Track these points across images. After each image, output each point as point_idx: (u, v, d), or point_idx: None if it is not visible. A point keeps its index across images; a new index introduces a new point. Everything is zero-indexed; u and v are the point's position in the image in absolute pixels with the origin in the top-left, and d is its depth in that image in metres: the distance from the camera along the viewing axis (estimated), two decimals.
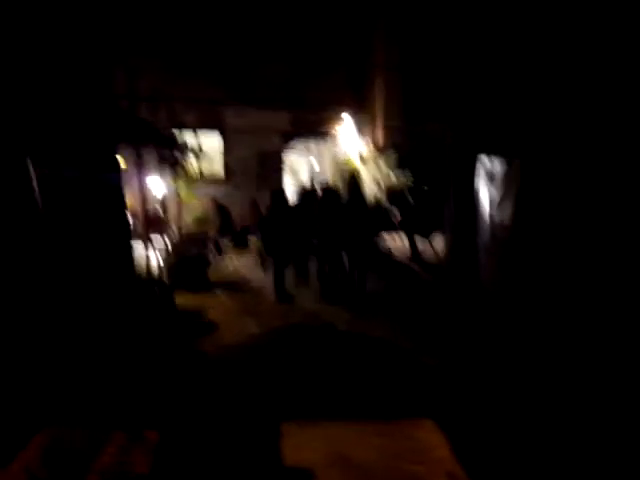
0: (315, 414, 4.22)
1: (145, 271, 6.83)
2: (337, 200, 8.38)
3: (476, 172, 6.28)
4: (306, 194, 9.12)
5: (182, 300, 7.26)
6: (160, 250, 9.13)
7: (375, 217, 9.68)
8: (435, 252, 10.86)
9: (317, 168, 21.00)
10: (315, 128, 16.97)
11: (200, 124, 15.39)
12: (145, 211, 7.92)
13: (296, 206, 8.80)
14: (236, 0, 15.22)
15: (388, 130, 16.82)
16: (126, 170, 7.38)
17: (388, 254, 10.37)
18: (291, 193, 16.93)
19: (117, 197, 4.93)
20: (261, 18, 15.54)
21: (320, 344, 5.86)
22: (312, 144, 19.20)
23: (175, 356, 5.48)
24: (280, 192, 8.28)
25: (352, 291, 8.07)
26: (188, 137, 13.88)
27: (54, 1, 4.90)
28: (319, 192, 9.89)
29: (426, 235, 10.98)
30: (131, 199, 12.24)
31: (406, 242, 12.47)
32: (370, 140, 17.16)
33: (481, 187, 6.08)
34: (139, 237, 11.74)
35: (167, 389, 4.70)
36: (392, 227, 13.26)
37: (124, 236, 4.93)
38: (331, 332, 6.32)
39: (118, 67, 8.38)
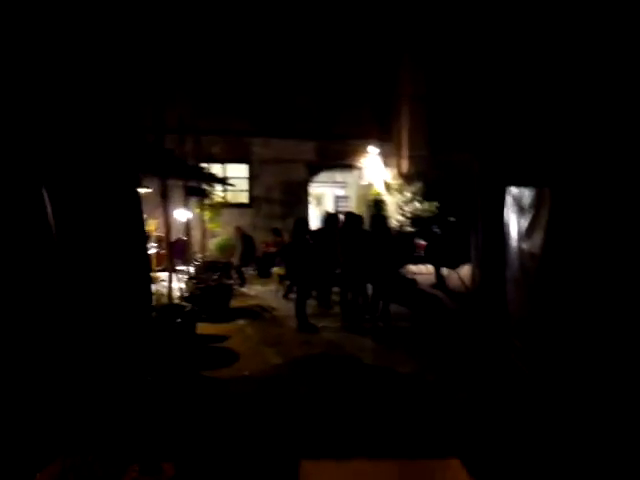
0: (336, 451, 4.06)
1: (167, 299, 6.81)
2: (360, 225, 8.30)
3: (505, 203, 6.14)
4: (329, 218, 9.04)
5: (203, 329, 7.19)
6: (183, 278, 9.15)
7: (400, 247, 9.54)
8: (462, 281, 10.67)
9: (342, 198, 21.05)
10: (340, 159, 17.06)
11: (227, 156, 15.62)
12: (169, 240, 7.95)
13: (319, 233, 8.74)
14: (263, 35, 15.52)
15: (414, 160, 16.81)
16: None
17: (413, 282, 10.20)
18: (315, 222, 17.03)
19: (136, 228, 4.92)
20: (288, 51, 15.83)
21: (343, 377, 5.70)
22: (337, 175, 19.29)
23: (195, 386, 5.38)
24: (303, 220, 8.24)
25: (376, 320, 7.92)
26: (215, 167, 14.06)
27: (84, 35, 5.01)
28: (342, 217, 9.85)
29: (453, 266, 10.80)
30: (156, 228, 12.48)
31: (431, 270, 12.32)
32: (396, 170, 17.16)
33: (510, 218, 5.93)
34: (163, 265, 11.86)
35: (185, 420, 4.60)
36: (417, 257, 13.12)
37: (143, 267, 4.89)
38: (354, 364, 6.15)
39: (145, 100, 8.58)
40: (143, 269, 4.88)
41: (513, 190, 5.94)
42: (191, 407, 4.89)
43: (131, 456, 3.91)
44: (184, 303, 6.99)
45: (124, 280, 4.60)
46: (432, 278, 11.25)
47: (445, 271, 11.00)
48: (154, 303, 6.52)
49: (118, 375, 4.54)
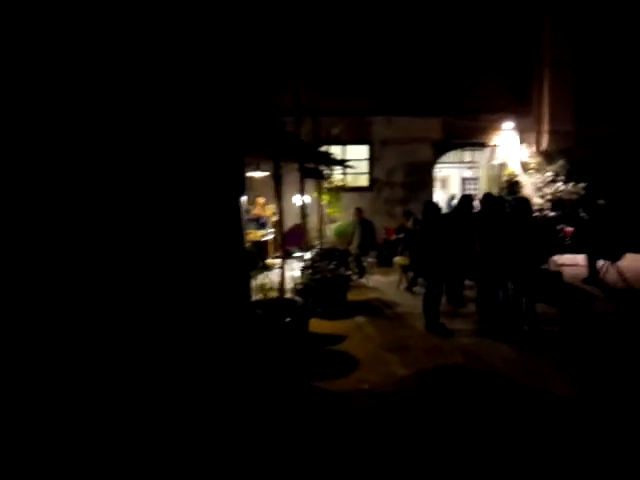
0: None
1: (278, 293, 6.10)
2: (501, 209, 7.02)
3: None
4: (463, 201, 7.78)
5: (317, 327, 6.40)
6: (299, 266, 8.46)
7: (546, 234, 8.04)
8: (621, 275, 8.91)
9: (470, 180, 19.40)
10: (471, 136, 15.47)
11: (347, 137, 14.75)
12: (282, 225, 7.26)
13: (451, 218, 7.52)
14: (383, 4, 14.34)
15: (556, 135, 14.78)
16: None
17: (558, 275, 8.62)
18: (443, 206, 15.66)
19: (234, 219, 4.17)
20: (411, 18, 14.51)
21: (484, 399, 4.57)
22: (466, 154, 17.68)
23: (305, 402, 4.58)
24: (433, 204, 7.11)
25: (520, 323, 6.62)
26: (334, 149, 13.25)
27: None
28: (478, 201, 8.56)
29: (613, 257, 9.03)
30: (274, 212, 11.98)
31: (579, 262, 10.55)
32: (534, 147, 15.23)
33: None
34: (280, 252, 11.34)
35: (293, 442, 3.81)
36: (562, 247, 11.38)
37: (239, 263, 4.14)
38: (498, 383, 4.97)
39: (260, 81, 7.94)
40: (238, 262, 4.13)
41: None
42: (301, 429, 4.08)
43: None
44: (296, 297, 6.24)
45: (216, 274, 3.87)
46: (582, 271, 9.56)
47: (601, 263, 9.26)
48: (262, 297, 5.85)
49: (211, 388, 3.82)
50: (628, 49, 14.29)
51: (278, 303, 5.75)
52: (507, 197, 10.73)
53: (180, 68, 3.68)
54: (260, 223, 11.12)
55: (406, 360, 5.51)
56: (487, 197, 7.29)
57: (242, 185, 4.64)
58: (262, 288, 6.02)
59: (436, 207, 6.99)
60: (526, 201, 7.55)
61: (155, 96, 3.49)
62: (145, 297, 3.41)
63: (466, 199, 7.51)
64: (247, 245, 9.43)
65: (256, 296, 5.81)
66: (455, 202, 11.57)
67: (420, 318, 7.03)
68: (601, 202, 10.17)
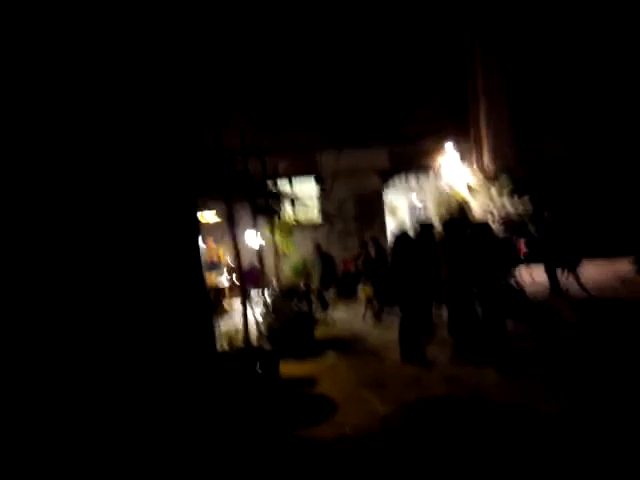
0: None
1: (242, 338, 5.71)
2: (463, 234, 6.95)
3: None
4: (424, 229, 7.61)
5: (289, 370, 6.01)
6: (259, 309, 8.09)
7: (507, 253, 8.02)
8: (581, 284, 8.99)
9: (419, 205, 19.59)
10: (415, 162, 15.68)
11: (294, 171, 14.62)
12: (241, 267, 6.91)
13: (413, 247, 7.34)
14: (320, 42, 14.52)
15: (497, 155, 15.16)
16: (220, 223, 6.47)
17: (521, 292, 8.60)
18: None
19: (193, 260, 3.84)
20: (350, 55, 14.73)
21: (474, 427, 4.30)
22: (412, 180, 17.88)
23: (284, 452, 4.18)
24: (405, 236, 6.94)
25: (492, 345, 6.45)
26: (282, 185, 13.03)
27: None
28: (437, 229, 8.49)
29: (572, 266, 9.12)
30: (225, 253, 11.55)
31: (535, 275, 10.64)
32: (477, 168, 15.55)
33: None
34: (235, 294, 10.89)
35: None
36: (517, 261, 11.47)
37: (201, 306, 3.79)
38: (484, 407, 4.73)
39: (204, 122, 7.66)
40: (201, 309, 3.78)
41: None
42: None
43: None
44: (263, 344, 5.88)
45: (177, 325, 3.50)
46: (542, 284, 9.61)
47: (560, 273, 9.34)
48: (228, 347, 5.44)
49: (178, 444, 3.40)
50: (560, 70, 14.92)
51: (246, 353, 5.36)
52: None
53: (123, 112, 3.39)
54: (213, 265, 10.67)
55: (386, 396, 5.19)
56: (449, 223, 7.21)
57: (197, 226, 4.32)
58: (227, 336, 5.61)
59: (407, 239, 6.83)
60: (486, 226, 7.52)
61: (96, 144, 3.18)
62: (102, 348, 3.02)
63: (427, 227, 7.41)
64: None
65: (221, 345, 5.40)
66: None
67: (393, 349, 6.77)
68: (547, 214, 10.37)
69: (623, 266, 11.03)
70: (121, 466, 3.00)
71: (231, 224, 6.39)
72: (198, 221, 4.45)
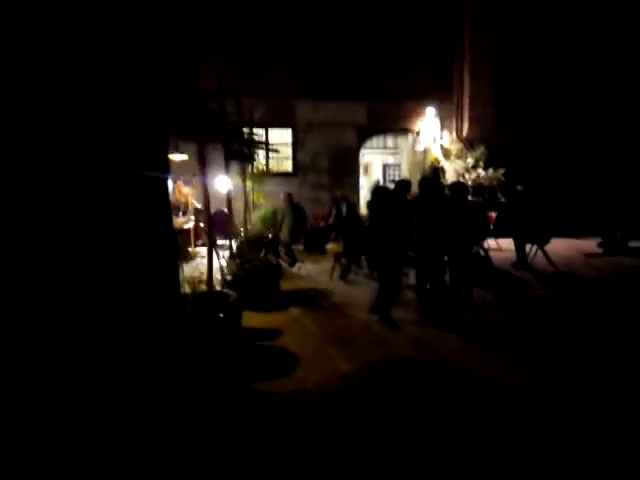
0: None
1: (207, 286, 5.49)
2: (440, 194, 6.83)
3: None
4: (400, 186, 7.29)
5: (251, 321, 5.85)
6: (225, 255, 7.86)
7: (478, 220, 7.94)
8: (549, 259, 9.06)
9: (392, 166, 19.41)
10: (394, 122, 15.40)
11: (271, 120, 14.12)
12: (209, 211, 6.62)
13: (395, 202, 7.04)
14: None
15: (477, 122, 14.99)
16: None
17: (486, 260, 8.61)
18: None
19: (161, 202, 3.56)
20: (337, 2, 14.10)
21: (439, 394, 4.24)
22: (389, 140, 17.62)
23: (245, 406, 4.06)
24: (382, 188, 6.72)
25: (458, 311, 6.43)
26: (258, 132, 12.56)
27: None
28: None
29: (541, 242, 9.16)
30: (194, 198, 11.17)
31: (502, 246, 10.71)
32: (456, 134, 15.38)
33: None
34: (203, 240, 10.59)
35: (229, 457, 3.29)
36: (488, 229, 11.50)
37: (168, 249, 3.54)
38: (450, 375, 4.67)
39: (180, 59, 7.17)
40: (168, 251, 3.53)
41: None
42: (241, 437, 3.57)
43: None
44: (226, 290, 5.67)
45: (144, 263, 3.25)
46: (508, 255, 9.65)
47: (528, 247, 9.37)
48: (190, 290, 5.23)
49: (135, 390, 3.21)
50: (547, 38, 14.65)
51: (209, 297, 5.15)
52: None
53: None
54: (180, 209, 10.31)
55: (351, 355, 5.10)
56: (425, 182, 7.03)
57: (167, 166, 4.00)
58: (191, 280, 5.38)
59: (387, 191, 6.59)
60: (463, 186, 7.40)
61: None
62: (61, 289, 2.77)
63: (404, 184, 7.11)
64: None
65: (184, 289, 5.18)
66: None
67: (359, 308, 6.69)
68: (519, 187, 10.33)
69: (590, 246, 11.19)
70: (77, 409, 2.80)
71: (202, 166, 6.06)
72: (168, 161, 4.13)
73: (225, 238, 9.67)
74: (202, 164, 6.05)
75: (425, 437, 3.56)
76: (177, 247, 4.08)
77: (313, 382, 4.44)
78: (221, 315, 4.67)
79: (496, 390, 4.33)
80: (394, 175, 19.02)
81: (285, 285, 7.66)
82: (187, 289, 5.48)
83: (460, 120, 15.52)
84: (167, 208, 3.82)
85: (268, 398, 4.18)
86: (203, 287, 5.55)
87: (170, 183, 4.16)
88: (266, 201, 12.45)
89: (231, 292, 5.69)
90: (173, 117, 5.80)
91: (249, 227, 10.34)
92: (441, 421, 3.78)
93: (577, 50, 14.56)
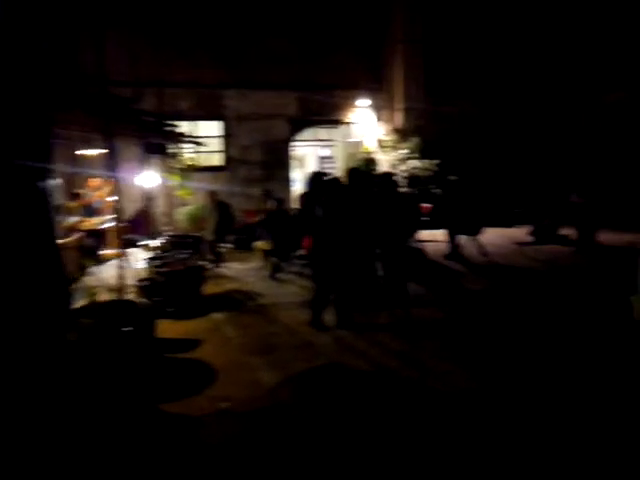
0: None
1: (116, 291, 4.90)
2: (369, 186, 6.50)
3: None
4: (316, 178, 6.73)
5: (167, 330, 5.29)
6: (145, 258, 7.25)
7: (410, 212, 7.68)
8: (482, 250, 8.97)
9: (327, 159, 19.07)
10: (326, 113, 15.02)
11: (197, 111, 13.43)
12: (121, 211, 6.02)
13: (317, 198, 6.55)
14: None
15: (409, 112, 14.84)
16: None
17: (419, 252, 8.40)
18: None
19: (40, 205, 3.01)
20: None
21: (371, 405, 3.87)
22: (322, 132, 17.23)
23: (149, 433, 3.54)
24: (319, 175, 6.26)
25: (391, 308, 6.12)
26: (184, 126, 11.84)
27: None
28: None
29: (473, 232, 9.05)
30: (108, 196, 10.27)
31: (435, 237, 10.58)
32: (389, 124, 15.20)
33: None
34: (114, 244, 9.83)
35: None
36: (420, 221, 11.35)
37: (51, 265, 3.00)
38: (383, 381, 4.32)
39: (88, 42, 6.48)
40: (48, 263, 2.98)
41: None
42: (145, 461, 3.07)
43: None
44: (136, 298, 5.11)
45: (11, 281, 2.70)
46: (441, 247, 9.50)
47: (461, 238, 9.24)
48: (89, 301, 4.63)
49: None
50: (478, 27, 14.67)
51: (114, 307, 4.57)
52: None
53: None
54: (94, 209, 9.48)
55: (275, 364, 4.65)
56: (353, 172, 6.65)
57: (46, 156, 3.43)
58: (91, 290, 4.78)
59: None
60: (391, 176, 7.10)
61: None
62: None
63: (317, 176, 6.61)
64: (80, 236, 7.94)
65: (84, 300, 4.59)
66: None
67: (287, 309, 6.27)
68: (452, 178, 10.23)
69: (522, 235, 11.25)
70: None
71: (111, 160, 5.47)
72: (49, 151, 3.53)
73: (148, 238, 9.03)
74: (111, 157, 5.45)
75: (357, 455, 3.18)
76: (58, 256, 3.48)
77: (231, 399, 3.96)
78: (128, 327, 4.11)
79: (434, 394, 4.02)
80: (329, 168, 18.68)
81: (210, 288, 7.12)
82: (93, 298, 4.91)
83: (393, 111, 15.36)
84: (45, 211, 3.25)
85: (178, 422, 3.68)
86: (110, 294, 4.98)
87: (57, 181, 3.59)
88: (194, 198, 11.79)
89: (142, 300, 5.14)
90: (61, 101, 5.17)
91: (174, 226, 9.72)
92: (375, 440, 3.41)
93: (508, 39, 14.64)
